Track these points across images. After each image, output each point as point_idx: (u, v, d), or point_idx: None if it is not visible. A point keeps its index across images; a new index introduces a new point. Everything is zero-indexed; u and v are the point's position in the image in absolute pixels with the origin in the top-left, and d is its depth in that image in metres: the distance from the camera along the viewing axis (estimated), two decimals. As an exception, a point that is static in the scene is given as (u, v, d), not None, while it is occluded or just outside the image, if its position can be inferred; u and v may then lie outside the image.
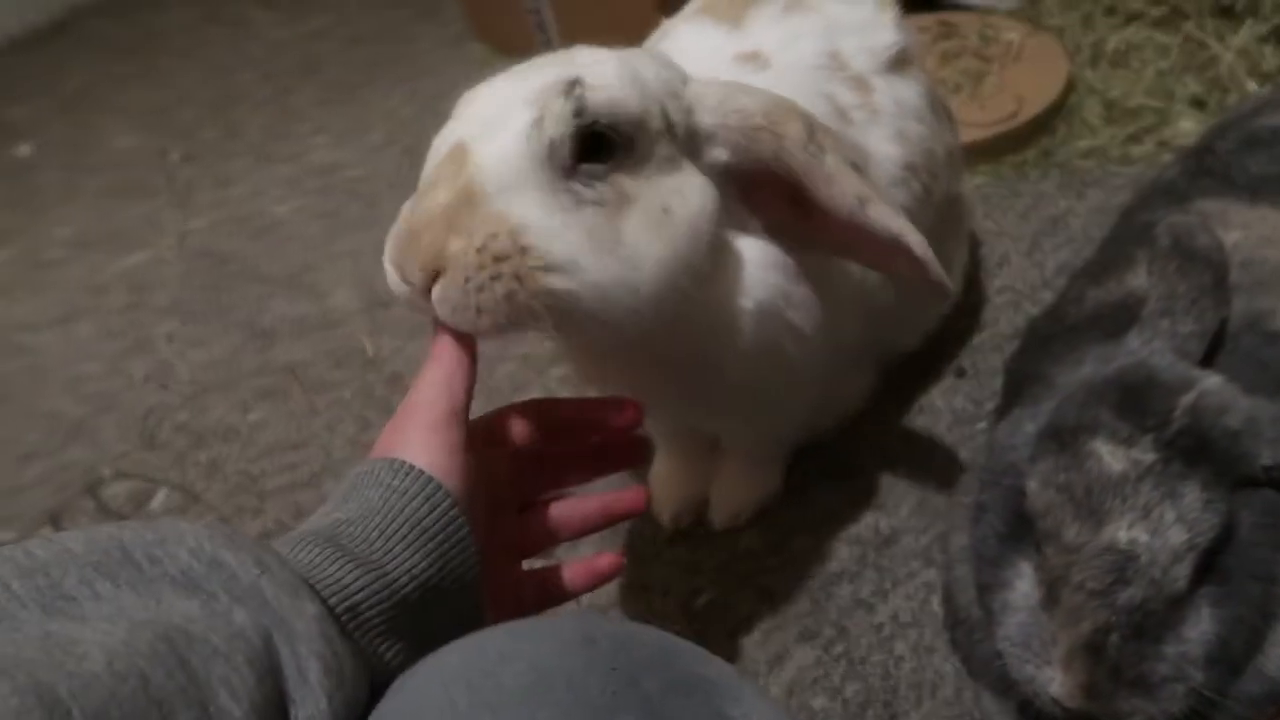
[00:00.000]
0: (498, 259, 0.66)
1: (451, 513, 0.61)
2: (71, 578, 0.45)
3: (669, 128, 0.76)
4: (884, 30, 1.07)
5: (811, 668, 1.00)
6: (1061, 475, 0.74)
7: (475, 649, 0.50)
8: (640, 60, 0.78)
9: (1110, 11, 1.67)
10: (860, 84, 1.03)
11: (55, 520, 1.39)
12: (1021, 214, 1.44)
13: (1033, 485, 0.76)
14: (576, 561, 0.79)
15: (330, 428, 1.44)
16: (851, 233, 0.82)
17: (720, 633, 1.05)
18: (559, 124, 0.70)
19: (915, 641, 1.00)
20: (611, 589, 1.11)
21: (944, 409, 1.22)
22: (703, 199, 0.78)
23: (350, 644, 0.53)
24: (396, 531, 0.59)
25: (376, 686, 0.54)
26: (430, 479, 0.61)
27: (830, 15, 1.03)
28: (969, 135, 1.40)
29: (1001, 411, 1.03)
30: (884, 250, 0.83)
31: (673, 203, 0.76)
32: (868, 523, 1.12)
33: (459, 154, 0.69)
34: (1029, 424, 0.84)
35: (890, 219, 0.81)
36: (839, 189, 0.80)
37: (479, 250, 0.66)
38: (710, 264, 0.79)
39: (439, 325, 0.70)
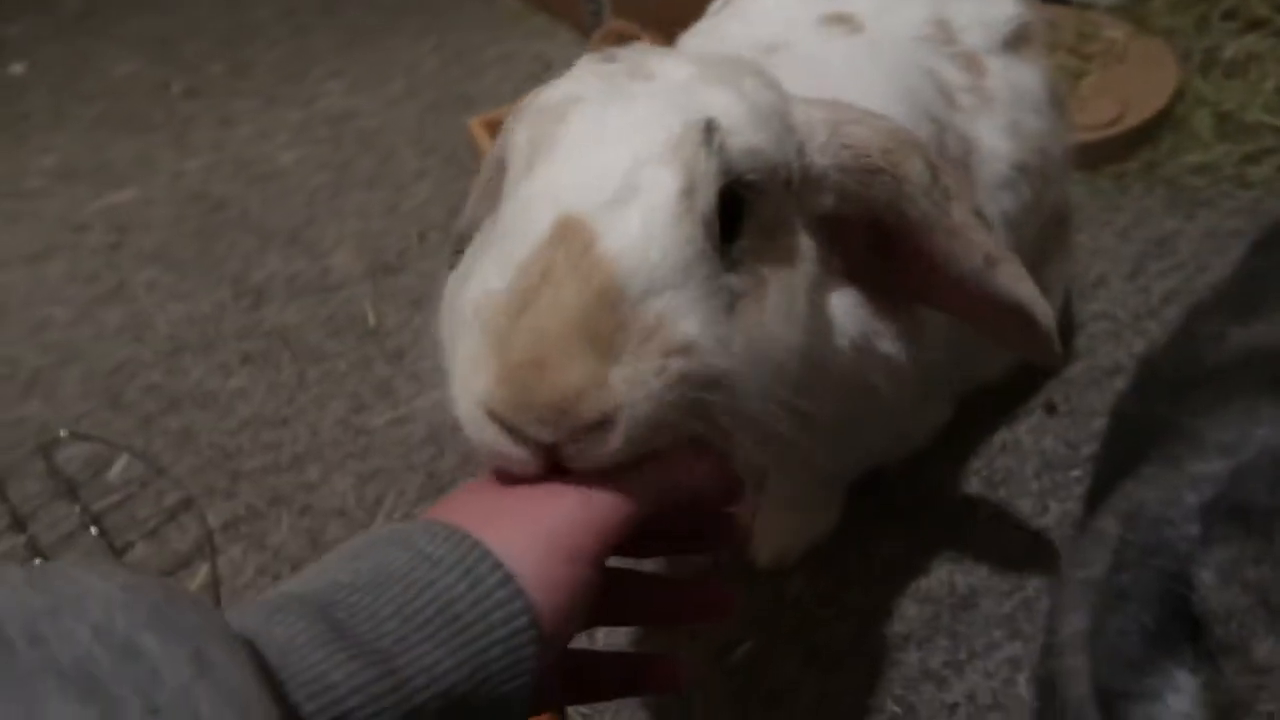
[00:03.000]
0: (683, 378, 0.46)
1: (513, 605, 0.42)
2: None
3: (788, 184, 0.58)
4: (1003, 1, 0.91)
5: (870, 751, 0.84)
6: (1251, 571, 0.58)
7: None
8: (747, 80, 0.58)
9: (1229, 15, 1.50)
10: (971, 62, 0.87)
11: (0, 483, 1.22)
12: (1121, 232, 1.27)
13: (1206, 578, 0.60)
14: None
15: (320, 404, 1.27)
16: (956, 289, 0.66)
17: (759, 694, 0.88)
18: (709, 187, 0.50)
19: (996, 730, 0.84)
20: (631, 630, 0.95)
21: (1031, 449, 1.05)
22: (812, 264, 0.61)
23: None
24: (418, 612, 0.41)
25: None
26: (481, 550, 0.42)
27: None
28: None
29: (1114, 463, 0.87)
30: (994, 312, 0.67)
31: (795, 279, 0.57)
32: (939, 578, 0.95)
33: (572, 233, 0.47)
34: (1188, 494, 0.67)
35: (1020, 285, 0.66)
36: (963, 245, 0.63)
37: (658, 374, 0.46)
38: None
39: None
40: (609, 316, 0.45)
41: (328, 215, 1.59)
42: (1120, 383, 1.09)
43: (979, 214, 0.66)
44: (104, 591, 0.34)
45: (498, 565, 0.42)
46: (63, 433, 1.29)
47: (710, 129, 0.51)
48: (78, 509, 1.18)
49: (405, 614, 0.41)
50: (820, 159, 0.60)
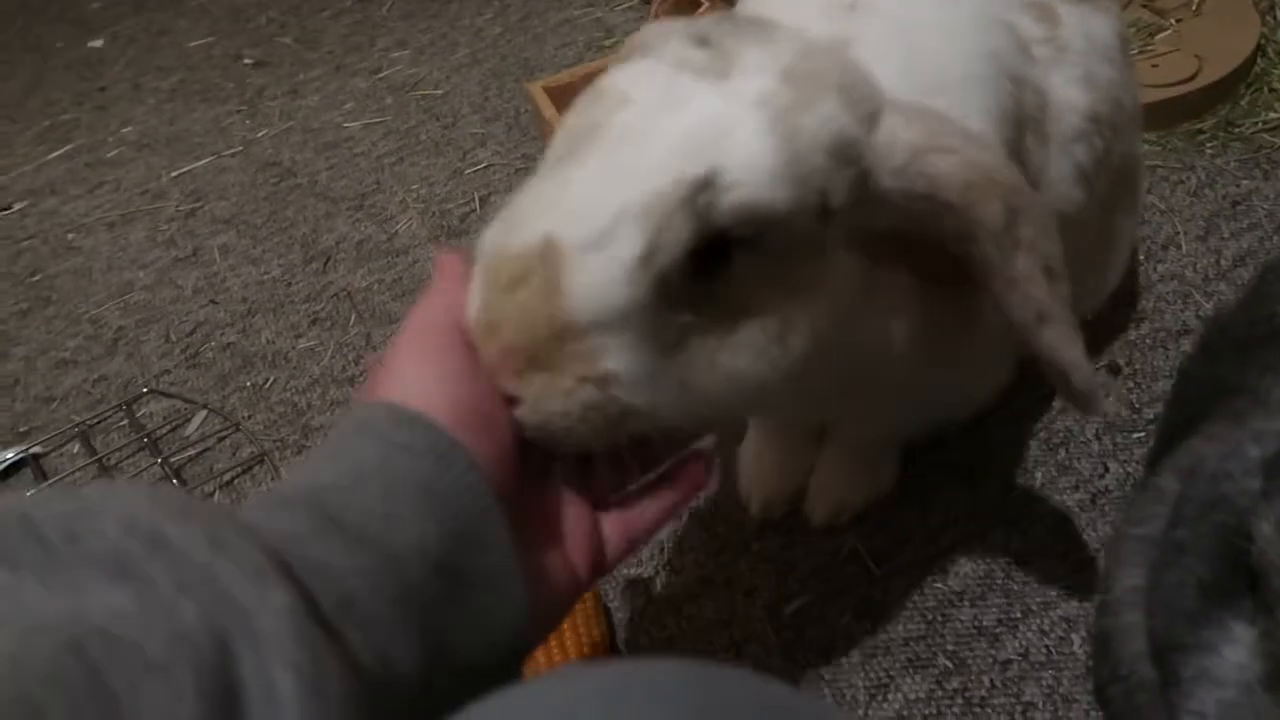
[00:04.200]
0: (585, 405, 0.56)
1: (477, 482, 0.49)
2: None
3: (824, 213, 0.58)
4: None
5: (921, 703, 0.84)
6: (1311, 522, 0.57)
7: (562, 712, 0.35)
8: (821, 110, 0.57)
9: (1314, -34, 1.44)
10: (1046, 12, 0.84)
11: (86, 436, 1.29)
12: (1194, 191, 1.24)
13: (1265, 529, 0.59)
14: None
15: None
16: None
17: (812, 648, 0.90)
18: (675, 248, 0.54)
19: (1049, 687, 0.84)
20: (688, 583, 0.96)
21: (1092, 411, 1.03)
22: (845, 281, 0.62)
23: (339, 649, 0.39)
24: (401, 497, 0.46)
25: (380, 705, 0.40)
26: (443, 434, 0.49)
27: None
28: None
29: (1177, 424, 0.86)
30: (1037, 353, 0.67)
31: (798, 314, 0.60)
32: (995, 537, 0.95)
33: (552, 255, 0.55)
34: (1252, 448, 0.66)
35: (1066, 348, 0.65)
36: (1019, 298, 0.63)
37: (565, 394, 0.56)
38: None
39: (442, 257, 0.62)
40: (551, 336, 0.54)
41: (393, 181, 1.63)
42: (1187, 345, 1.06)
43: (1048, 268, 0.64)
44: (125, 494, 0.38)
45: (457, 445, 0.49)
46: (144, 389, 1.35)
47: (702, 187, 0.54)
48: (159, 461, 1.24)
49: (389, 499, 0.46)
50: (890, 181, 0.60)
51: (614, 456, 0.65)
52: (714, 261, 0.56)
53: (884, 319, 0.68)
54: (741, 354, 0.59)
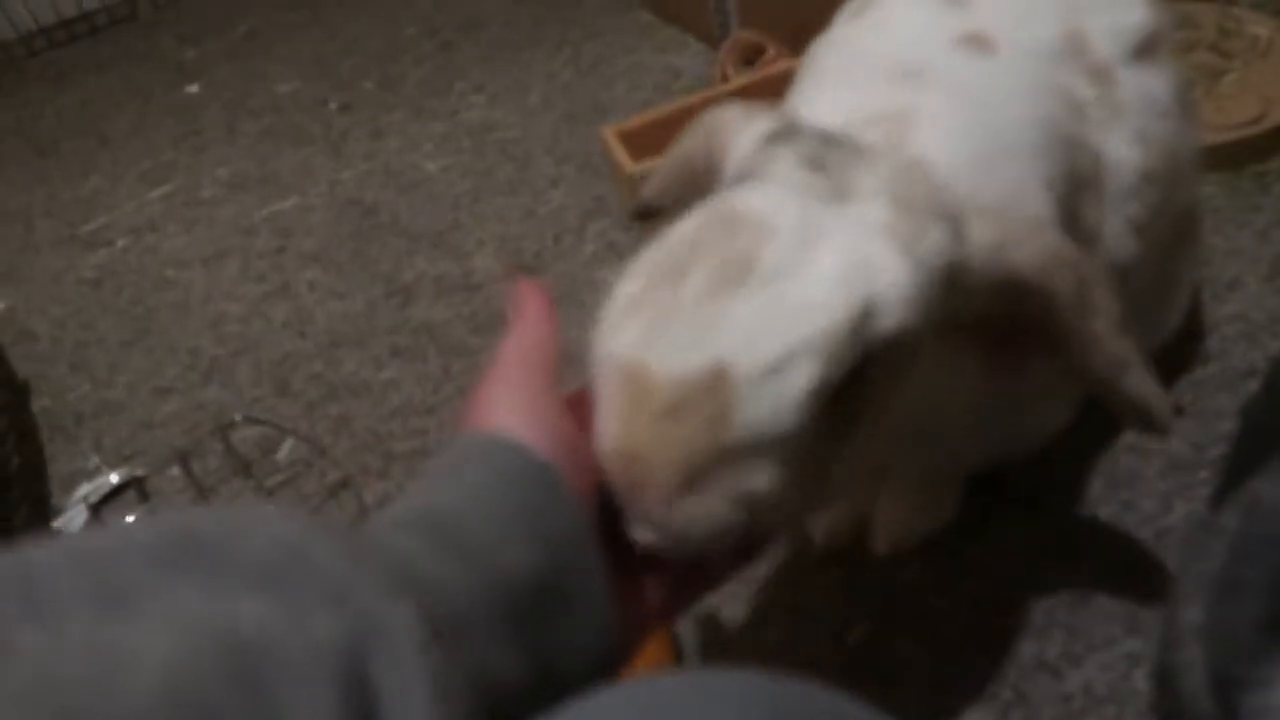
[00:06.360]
0: (730, 525, 0.58)
1: (577, 512, 0.52)
2: (132, 571, 0.36)
3: (932, 324, 0.63)
4: (1133, 8, 0.91)
5: (983, 734, 0.86)
6: (1368, 559, 0.58)
7: (645, 716, 0.39)
8: (933, 236, 0.61)
9: (1383, 8, 1.44)
10: (1102, 74, 0.87)
11: (184, 460, 1.37)
12: (1261, 232, 1.24)
13: (1322, 566, 0.61)
14: None
15: (463, 394, 1.37)
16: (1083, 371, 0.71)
17: (877, 675, 0.92)
18: (839, 377, 0.57)
19: (1111, 721, 0.85)
20: (753, 610, 1.00)
21: (1156, 450, 1.05)
22: (925, 371, 0.66)
23: (459, 661, 0.42)
24: (508, 522, 0.49)
25: (493, 717, 0.43)
26: (546, 464, 0.52)
27: None
28: (1203, 139, 1.21)
29: (1241, 463, 0.87)
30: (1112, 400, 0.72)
31: (893, 404, 0.65)
32: (1058, 572, 0.96)
33: (721, 385, 0.55)
34: (1310, 486, 0.68)
35: (1146, 391, 0.71)
36: (1100, 353, 0.69)
37: (713, 517, 0.57)
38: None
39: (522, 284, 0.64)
40: (710, 464, 0.55)
41: (470, 220, 1.70)
42: (1252, 385, 1.07)
43: (1121, 323, 0.69)
44: (269, 511, 0.42)
45: (558, 474, 0.52)
46: (238, 416, 1.43)
47: (867, 315, 0.57)
48: (252, 485, 1.31)
49: (495, 523, 0.49)
50: (974, 279, 0.65)
51: None
52: (857, 376, 0.60)
53: (951, 380, 0.73)
54: (854, 452, 0.63)
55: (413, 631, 0.39)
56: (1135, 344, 0.71)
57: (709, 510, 0.57)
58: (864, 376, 0.60)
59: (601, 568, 0.53)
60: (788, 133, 0.67)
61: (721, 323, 0.57)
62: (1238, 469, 0.88)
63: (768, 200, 0.62)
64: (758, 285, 0.58)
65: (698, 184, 0.77)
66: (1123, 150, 0.85)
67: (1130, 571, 0.95)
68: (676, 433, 0.55)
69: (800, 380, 0.56)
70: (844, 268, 0.58)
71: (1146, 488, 1.02)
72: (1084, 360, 0.69)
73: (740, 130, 0.70)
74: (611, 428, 0.57)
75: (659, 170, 0.85)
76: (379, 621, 0.38)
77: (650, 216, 0.87)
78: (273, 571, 0.38)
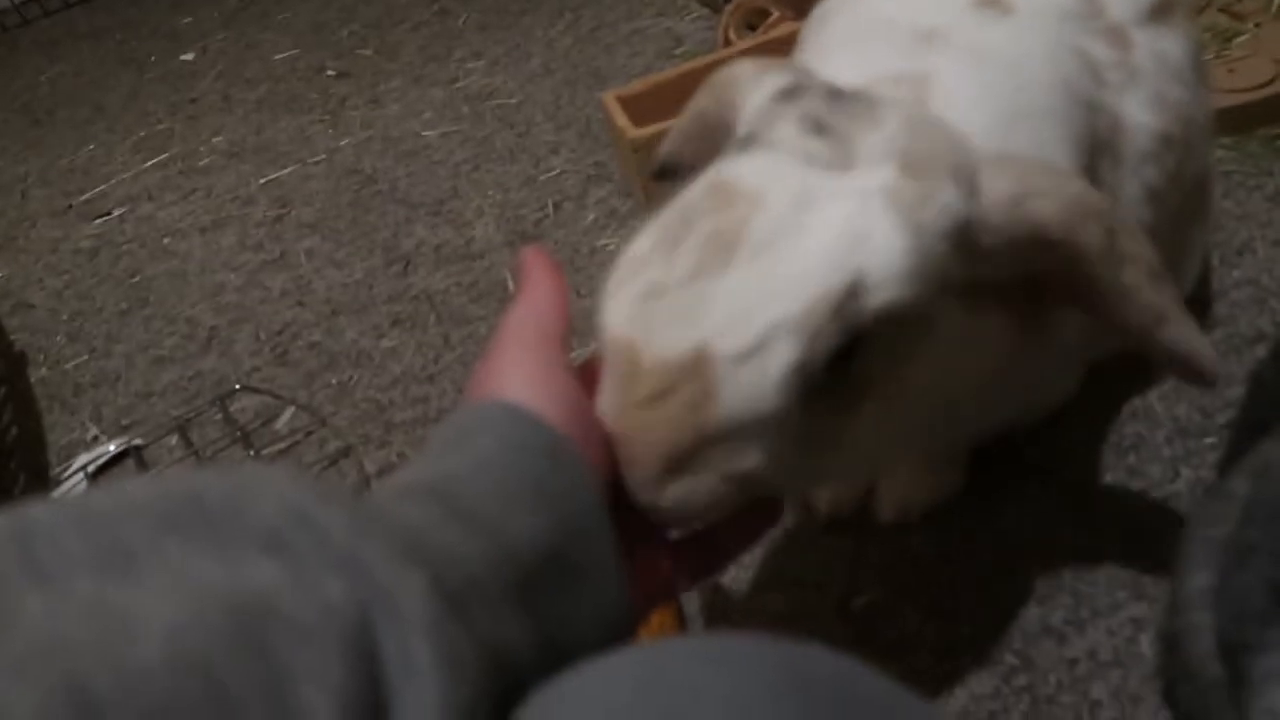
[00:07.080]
0: (725, 498, 0.59)
1: (586, 480, 0.51)
2: (136, 533, 0.35)
3: (940, 291, 0.61)
4: None
5: (988, 699, 0.86)
6: (1383, 522, 0.58)
7: (653, 675, 0.38)
8: (940, 199, 0.59)
9: (1399, -32, 1.41)
10: (1118, 37, 0.85)
11: (183, 429, 1.36)
12: (1271, 196, 1.23)
13: (1336, 529, 0.60)
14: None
15: (463, 362, 1.36)
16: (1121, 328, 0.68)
17: (882, 643, 0.92)
18: (824, 355, 0.56)
19: (1117, 686, 0.85)
20: (758, 577, 0.99)
21: (1163, 416, 1.04)
22: (944, 341, 0.64)
23: (468, 628, 0.41)
24: (516, 490, 0.48)
25: (503, 686, 0.43)
26: (556, 433, 0.51)
27: None
28: (1214, 102, 1.19)
29: (1250, 429, 0.86)
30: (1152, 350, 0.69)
31: (910, 380, 0.63)
32: (1063, 538, 0.96)
33: (702, 368, 0.55)
34: (1323, 449, 0.67)
35: (1189, 339, 0.68)
36: (1135, 305, 0.65)
37: (708, 493, 0.58)
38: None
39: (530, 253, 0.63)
40: (694, 446, 0.56)
41: (470, 188, 1.69)
42: (1261, 351, 1.06)
43: (1152, 272, 0.66)
44: (276, 475, 0.40)
45: (568, 444, 0.52)
46: (237, 386, 1.42)
47: (853, 292, 0.56)
48: (251, 454, 1.30)
49: (504, 492, 0.48)
50: (990, 239, 0.62)
51: None
52: (844, 357, 0.58)
53: (973, 352, 0.70)
54: (865, 430, 0.62)
55: (422, 599, 0.38)
56: (1172, 291, 0.68)
57: (696, 490, 0.57)
58: (863, 351, 0.59)
59: (612, 538, 0.52)
60: (796, 90, 0.65)
61: (705, 302, 0.57)
62: (1246, 435, 0.87)
63: (762, 170, 0.61)
64: (742, 262, 0.57)
65: (714, 141, 0.75)
66: (1140, 114, 0.84)
67: (1136, 537, 0.94)
68: (661, 417, 0.55)
69: (780, 361, 0.55)
70: (832, 242, 0.57)
71: (1154, 454, 1.01)
72: (1119, 315, 0.66)
73: (751, 87, 0.69)
74: (605, 407, 0.58)
75: (675, 128, 0.83)
76: (388, 589, 0.38)
77: (668, 176, 0.85)
78: (280, 536, 0.38)
